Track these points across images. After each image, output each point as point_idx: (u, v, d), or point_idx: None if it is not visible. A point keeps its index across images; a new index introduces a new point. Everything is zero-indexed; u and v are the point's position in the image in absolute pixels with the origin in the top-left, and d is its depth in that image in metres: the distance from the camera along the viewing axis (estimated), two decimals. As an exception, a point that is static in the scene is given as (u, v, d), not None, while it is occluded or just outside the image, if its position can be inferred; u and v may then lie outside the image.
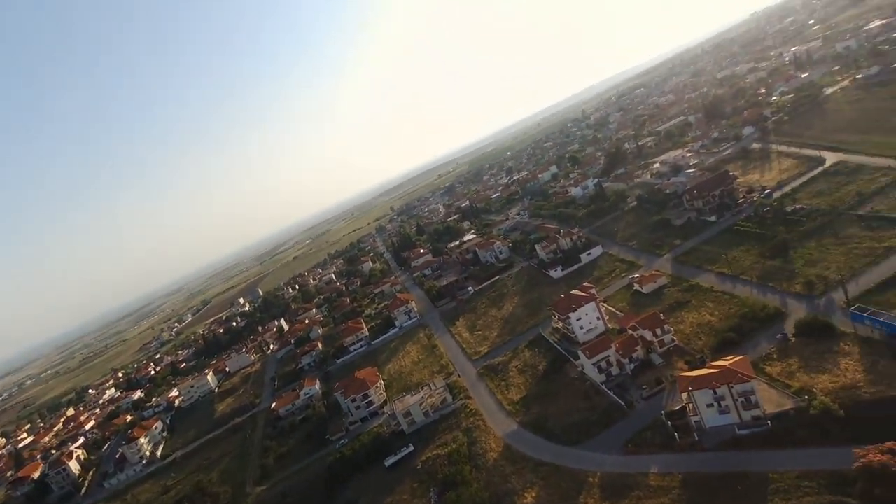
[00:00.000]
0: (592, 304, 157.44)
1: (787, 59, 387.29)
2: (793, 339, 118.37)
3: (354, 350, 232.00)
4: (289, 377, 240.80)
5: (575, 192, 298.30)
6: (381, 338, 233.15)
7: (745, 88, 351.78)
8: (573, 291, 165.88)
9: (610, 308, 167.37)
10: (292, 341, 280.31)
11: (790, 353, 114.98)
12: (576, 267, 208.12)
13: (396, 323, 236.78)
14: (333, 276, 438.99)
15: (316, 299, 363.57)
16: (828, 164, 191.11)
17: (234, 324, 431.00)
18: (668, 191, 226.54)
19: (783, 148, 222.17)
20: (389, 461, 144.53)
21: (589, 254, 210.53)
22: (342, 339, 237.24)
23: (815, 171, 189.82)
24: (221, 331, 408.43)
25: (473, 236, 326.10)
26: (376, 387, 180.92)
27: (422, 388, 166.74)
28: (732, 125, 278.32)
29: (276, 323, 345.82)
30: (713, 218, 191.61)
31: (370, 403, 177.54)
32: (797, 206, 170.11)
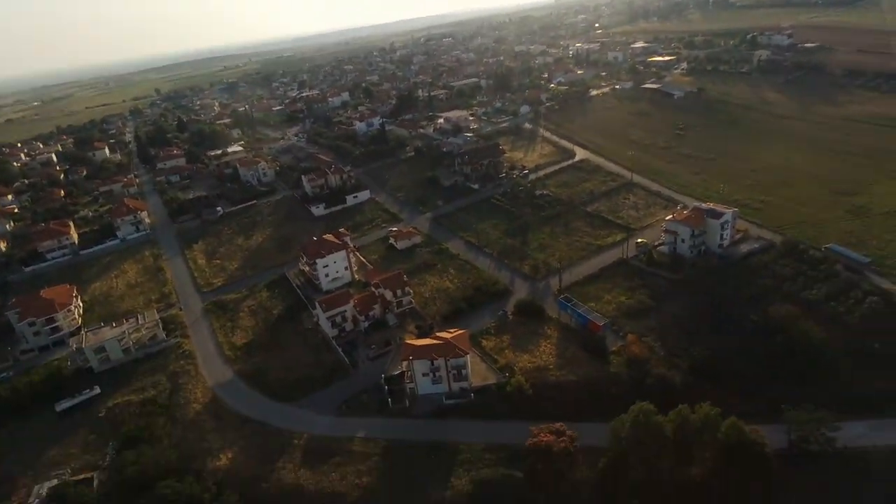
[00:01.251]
0: (343, 253, 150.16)
1: (570, 52, 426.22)
2: (511, 317, 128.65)
3: (53, 258, 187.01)
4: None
5: (359, 126, 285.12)
6: (95, 248, 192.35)
7: (532, 69, 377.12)
8: (326, 236, 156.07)
9: (362, 259, 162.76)
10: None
11: (506, 330, 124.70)
12: (339, 208, 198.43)
13: (119, 233, 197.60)
14: (54, 156, 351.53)
15: (17, 183, 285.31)
16: (577, 158, 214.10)
17: None
18: (444, 149, 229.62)
19: (548, 134, 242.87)
20: (63, 405, 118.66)
21: (356, 196, 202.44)
22: (37, 243, 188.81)
23: (566, 163, 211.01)
24: None
25: (240, 149, 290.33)
26: (68, 310, 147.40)
27: (128, 320, 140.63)
28: (514, 100, 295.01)
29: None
30: (477, 186, 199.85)
31: (56, 330, 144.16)
32: (544, 192, 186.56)
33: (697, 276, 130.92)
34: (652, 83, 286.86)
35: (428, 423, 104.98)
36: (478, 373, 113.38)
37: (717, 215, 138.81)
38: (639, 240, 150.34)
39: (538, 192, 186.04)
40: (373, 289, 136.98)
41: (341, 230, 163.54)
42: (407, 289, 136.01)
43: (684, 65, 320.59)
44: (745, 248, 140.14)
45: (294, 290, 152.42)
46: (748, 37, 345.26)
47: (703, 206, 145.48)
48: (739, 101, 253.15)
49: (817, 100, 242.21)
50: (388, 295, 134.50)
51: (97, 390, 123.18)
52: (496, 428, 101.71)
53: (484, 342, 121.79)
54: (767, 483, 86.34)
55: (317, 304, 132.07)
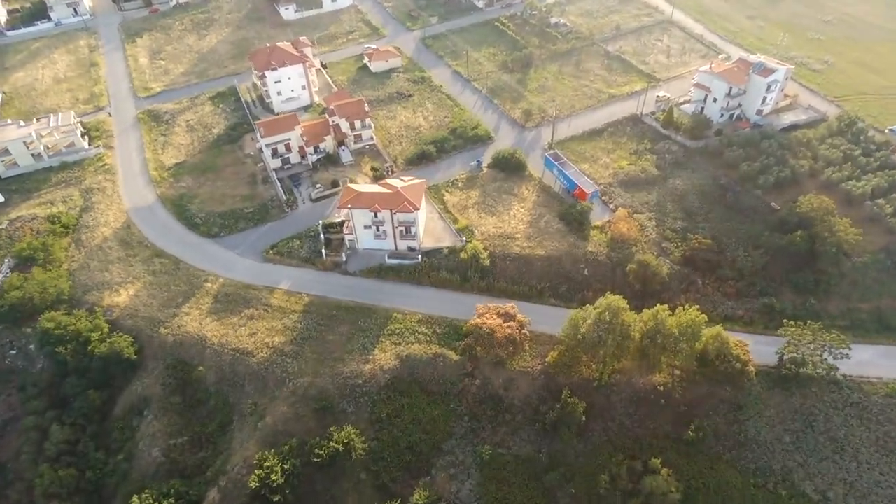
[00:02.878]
0: (300, 67, 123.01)
1: None
2: (485, 170, 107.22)
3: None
4: None
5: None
6: (23, 30, 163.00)
7: None
8: (281, 43, 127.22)
9: (328, 79, 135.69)
10: None
11: (475, 184, 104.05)
12: (314, 12, 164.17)
13: (53, 15, 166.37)
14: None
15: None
16: None
17: None
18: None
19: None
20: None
21: (335, 0, 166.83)
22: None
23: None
24: None
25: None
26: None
27: (40, 119, 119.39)
28: None
29: None
30: (482, 3, 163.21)
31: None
32: (560, 21, 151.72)
33: (722, 145, 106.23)
34: None
35: (362, 283, 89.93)
36: (431, 232, 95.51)
37: (766, 72, 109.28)
38: (660, 93, 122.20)
39: (552, 20, 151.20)
40: (327, 116, 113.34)
41: (302, 38, 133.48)
42: (368, 121, 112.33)
43: None
44: (789, 117, 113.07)
45: (242, 108, 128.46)
46: None
47: (751, 58, 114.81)
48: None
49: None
50: (345, 126, 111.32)
51: (0, 198, 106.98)
52: (440, 298, 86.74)
53: (447, 196, 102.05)
54: (737, 406, 73.22)
55: (256, 127, 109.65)
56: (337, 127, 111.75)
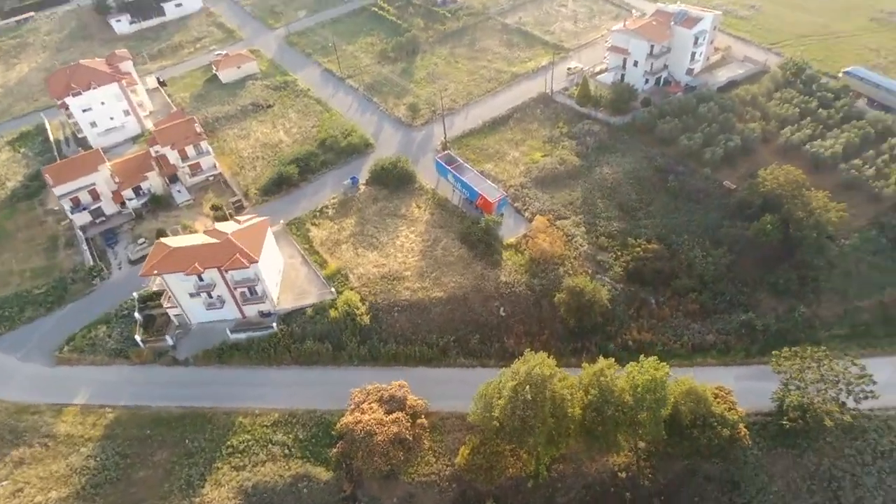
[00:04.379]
0: (114, 87, 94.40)
1: None
2: (362, 188, 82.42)
3: None
4: None
5: None
6: None
7: None
8: (86, 61, 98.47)
9: (167, 98, 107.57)
10: None
11: (350, 209, 78.99)
12: (156, 22, 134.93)
13: None
14: None
15: None
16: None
17: None
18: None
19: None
20: None
21: (180, 5, 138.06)
22: None
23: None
24: None
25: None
26: None
27: None
28: None
29: None
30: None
31: None
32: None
33: (652, 117, 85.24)
34: None
35: (197, 374, 63.42)
36: (292, 285, 69.82)
37: (691, 21, 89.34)
38: (571, 64, 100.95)
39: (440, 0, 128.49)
40: (148, 147, 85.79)
41: (118, 51, 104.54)
42: (204, 145, 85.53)
43: None
44: (724, 73, 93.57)
45: (52, 149, 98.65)
46: None
47: (670, 8, 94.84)
48: None
49: None
50: (173, 155, 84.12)
51: None
52: (305, 381, 61.38)
53: (314, 231, 76.56)
54: (731, 484, 51.20)
55: (43, 174, 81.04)
56: (163, 158, 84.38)
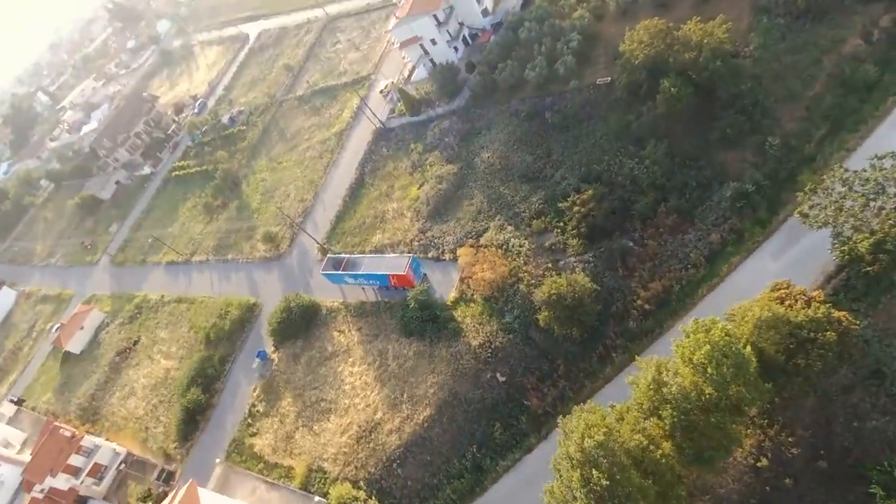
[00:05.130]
0: (-41, 455, 76.35)
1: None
2: (275, 356, 67.52)
3: None
4: None
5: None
6: None
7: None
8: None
9: (32, 413, 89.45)
10: None
11: (278, 388, 63.75)
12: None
13: None
14: None
15: None
16: (252, 39, 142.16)
17: None
18: (86, 149, 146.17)
19: (205, 35, 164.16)
20: None
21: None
22: None
23: (243, 53, 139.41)
24: None
25: None
26: None
27: None
28: (149, 24, 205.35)
29: None
30: (148, 169, 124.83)
31: None
32: (234, 112, 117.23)
33: (486, 76, 74.98)
34: None
35: None
36: (272, 528, 53.94)
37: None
38: (381, 86, 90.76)
39: (224, 119, 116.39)
40: (30, 495, 67.95)
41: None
42: (88, 441, 68.79)
43: None
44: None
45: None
46: None
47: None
48: None
49: None
50: (66, 479, 66.64)
51: None
52: None
53: (257, 442, 60.64)
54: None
55: None
56: (56, 492, 66.69)
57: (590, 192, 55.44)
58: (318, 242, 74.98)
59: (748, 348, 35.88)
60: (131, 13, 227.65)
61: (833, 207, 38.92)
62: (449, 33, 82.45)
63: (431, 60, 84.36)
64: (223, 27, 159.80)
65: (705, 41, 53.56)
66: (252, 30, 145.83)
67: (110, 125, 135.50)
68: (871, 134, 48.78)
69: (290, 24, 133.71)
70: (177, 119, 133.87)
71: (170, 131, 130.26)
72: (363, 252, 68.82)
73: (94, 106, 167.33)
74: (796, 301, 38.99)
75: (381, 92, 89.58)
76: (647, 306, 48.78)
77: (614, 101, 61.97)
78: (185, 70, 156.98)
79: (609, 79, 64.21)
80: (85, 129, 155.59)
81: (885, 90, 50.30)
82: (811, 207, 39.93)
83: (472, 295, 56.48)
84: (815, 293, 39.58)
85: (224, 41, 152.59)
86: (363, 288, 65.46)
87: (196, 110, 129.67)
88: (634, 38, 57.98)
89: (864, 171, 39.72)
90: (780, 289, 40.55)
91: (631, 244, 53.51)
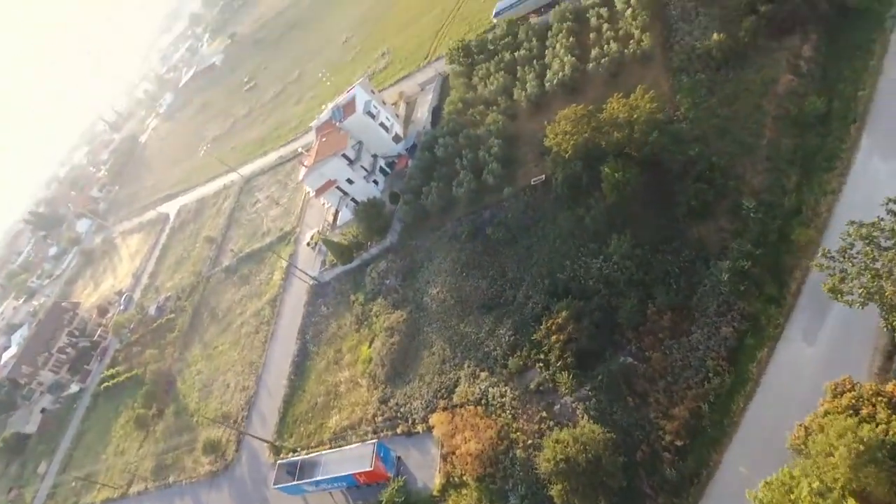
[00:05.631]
0: None
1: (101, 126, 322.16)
2: None
3: None
4: None
5: None
6: None
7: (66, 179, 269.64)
8: None
9: None
10: None
11: None
12: None
13: None
14: None
15: None
16: (172, 218, 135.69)
17: None
18: (5, 383, 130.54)
19: (125, 225, 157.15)
20: None
21: None
22: None
23: (164, 235, 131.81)
24: None
25: None
26: None
27: None
28: (70, 225, 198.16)
29: None
30: (76, 386, 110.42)
31: None
32: (161, 300, 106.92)
33: (413, 205, 68.03)
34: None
35: None
36: None
37: (350, 107, 76.69)
38: (307, 239, 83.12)
39: (151, 311, 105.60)
40: None
41: None
42: None
43: None
44: (421, 109, 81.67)
45: None
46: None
47: (321, 116, 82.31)
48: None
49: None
50: None
51: None
52: None
53: None
54: None
55: None
56: None
57: (563, 313, 46.19)
58: (266, 441, 62.12)
59: (851, 503, 25.45)
60: (51, 219, 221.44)
61: (869, 275, 30.55)
62: (364, 168, 76.76)
63: (353, 200, 77.61)
64: (142, 212, 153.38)
65: (634, 115, 48.01)
66: (172, 208, 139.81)
67: (29, 347, 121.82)
68: (849, 170, 42.69)
69: (209, 194, 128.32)
70: (103, 321, 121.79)
71: (96, 337, 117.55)
72: (321, 443, 56.44)
73: (14, 327, 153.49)
74: (874, 406, 29.35)
75: (307, 245, 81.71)
76: (677, 442, 38.13)
77: (556, 199, 55.05)
78: (108, 265, 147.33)
79: (543, 176, 57.90)
80: (5, 356, 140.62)
81: (843, 118, 45.14)
82: (841, 281, 31.47)
83: (462, 476, 44.49)
84: (891, 386, 30.19)
85: (144, 226, 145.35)
86: (330, 493, 52.37)
87: (122, 307, 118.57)
88: (557, 129, 52.27)
89: (881, 219, 32.16)
90: (842, 391, 31.02)
91: (630, 360, 43.82)
